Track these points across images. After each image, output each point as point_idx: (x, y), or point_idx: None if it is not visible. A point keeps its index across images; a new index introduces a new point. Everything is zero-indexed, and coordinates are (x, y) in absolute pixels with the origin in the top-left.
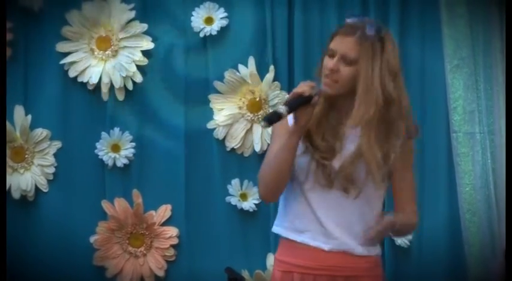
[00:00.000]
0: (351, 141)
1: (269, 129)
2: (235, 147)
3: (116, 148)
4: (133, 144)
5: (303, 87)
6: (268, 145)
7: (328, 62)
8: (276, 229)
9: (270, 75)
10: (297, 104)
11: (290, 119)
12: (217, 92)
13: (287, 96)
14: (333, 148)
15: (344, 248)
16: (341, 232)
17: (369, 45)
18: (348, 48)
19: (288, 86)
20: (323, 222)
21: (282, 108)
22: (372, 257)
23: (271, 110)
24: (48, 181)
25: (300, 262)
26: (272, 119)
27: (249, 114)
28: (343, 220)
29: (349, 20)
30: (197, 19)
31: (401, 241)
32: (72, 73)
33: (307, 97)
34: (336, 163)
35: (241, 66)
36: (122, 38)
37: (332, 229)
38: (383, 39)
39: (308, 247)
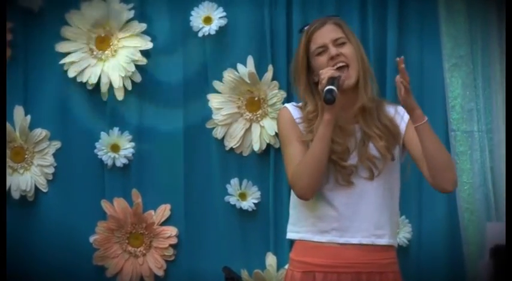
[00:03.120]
0: (359, 132)
1: (268, 130)
2: (234, 146)
3: (115, 148)
4: (133, 144)
5: (330, 71)
6: (269, 145)
7: (322, 60)
8: (295, 235)
9: (268, 75)
10: (336, 83)
11: (295, 113)
12: (216, 91)
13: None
14: (347, 147)
15: (372, 240)
16: (366, 224)
17: (343, 24)
18: (332, 33)
19: (287, 86)
20: (347, 218)
21: (332, 87)
22: (393, 252)
23: (271, 107)
24: (48, 181)
25: (323, 262)
26: (333, 96)
27: (247, 113)
28: (367, 212)
29: (307, 27)
30: (196, 19)
31: (400, 240)
32: (71, 73)
33: (338, 77)
34: (354, 160)
35: (240, 66)
36: (121, 38)
37: (357, 223)
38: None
39: (333, 246)
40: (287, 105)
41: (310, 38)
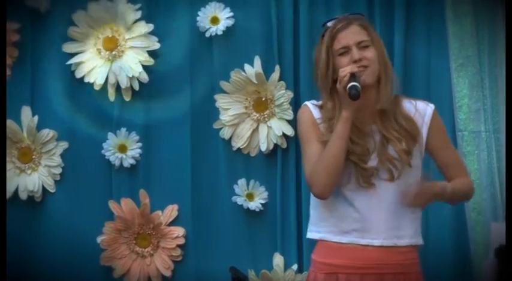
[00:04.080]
0: (377, 134)
1: (275, 130)
2: (241, 147)
3: (122, 148)
4: (140, 144)
5: (350, 68)
6: (276, 145)
7: (344, 60)
8: (315, 234)
9: (275, 75)
10: (358, 80)
11: (315, 113)
12: (223, 91)
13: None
14: (367, 148)
15: (394, 242)
16: (387, 225)
17: (368, 25)
18: (357, 35)
19: (294, 86)
20: (369, 219)
21: (356, 84)
22: (416, 253)
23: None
24: (55, 182)
25: (346, 263)
26: (358, 91)
27: (255, 114)
28: (388, 213)
29: (329, 23)
30: (203, 19)
31: None
32: (78, 74)
33: (358, 75)
34: (374, 162)
35: (247, 66)
36: (128, 39)
37: (378, 224)
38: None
39: (354, 247)
40: (307, 103)
41: (334, 37)
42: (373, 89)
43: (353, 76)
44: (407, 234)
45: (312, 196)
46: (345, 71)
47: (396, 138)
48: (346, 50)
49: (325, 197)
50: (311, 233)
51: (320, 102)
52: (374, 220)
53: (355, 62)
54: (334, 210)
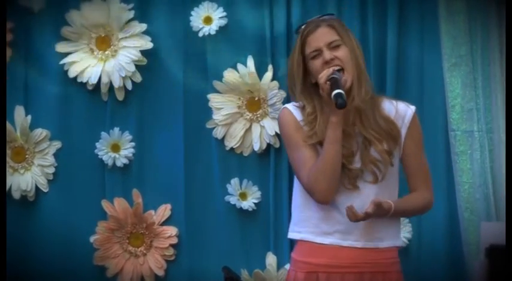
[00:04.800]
0: (359, 136)
1: (268, 130)
2: (234, 146)
3: (115, 148)
4: (133, 144)
5: (325, 73)
6: (269, 145)
7: (317, 63)
8: (296, 235)
9: (268, 75)
10: (340, 85)
11: (297, 115)
12: (216, 91)
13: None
14: (352, 150)
15: (375, 244)
16: (369, 228)
17: (337, 25)
18: (327, 36)
19: (287, 86)
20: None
21: (341, 91)
22: (395, 253)
23: (271, 108)
24: (48, 181)
25: (326, 262)
26: (344, 100)
27: (248, 113)
28: None
29: (303, 26)
30: (196, 18)
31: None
32: (71, 73)
33: (339, 79)
34: (358, 164)
35: (240, 66)
36: (121, 38)
37: (361, 227)
38: (342, 22)
39: (335, 247)
40: (287, 106)
41: (304, 41)
42: (351, 91)
43: (335, 81)
44: (388, 236)
45: (294, 196)
46: (321, 78)
47: (376, 139)
48: (318, 52)
49: (328, 201)
50: (292, 233)
51: (299, 104)
52: (357, 222)
53: (326, 63)
54: (317, 211)
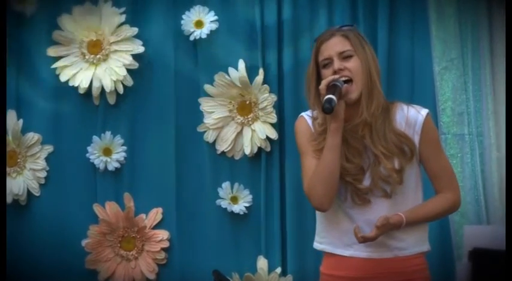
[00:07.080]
0: (370, 151)
1: (259, 133)
2: (225, 150)
3: (107, 152)
4: (125, 148)
5: (326, 80)
6: (260, 148)
7: (327, 72)
8: (320, 246)
9: (259, 78)
10: (337, 92)
11: (311, 124)
12: (208, 95)
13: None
14: (361, 166)
15: (395, 253)
16: (386, 239)
17: (353, 35)
18: (339, 45)
19: (278, 89)
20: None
21: (332, 96)
22: (420, 259)
23: (262, 112)
24: (40, 185)
25: (348, 274)
26: (331, 106)
27: (239, 117)
28: None
29: (319, 36)
30: (187, 22)
31: None
32: (63, 77)
33: (339, 87)
34: (367, 181)
35: (231, 69)
36: (112, 42)
37: (377, 239)
38: (360, 33)
39: (355, 259)
40: (304, 115)
41: (318, 49)
42: (359, 101)
43: (333, 87)
44: (408, 245)
45: None
46: (322, 83)
47: (385, 156)
48: (329, 61)
49: (325, 209)
50: (315, 243)
51: (313, 113)
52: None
53: (335, 72)
54: (336, 224)
